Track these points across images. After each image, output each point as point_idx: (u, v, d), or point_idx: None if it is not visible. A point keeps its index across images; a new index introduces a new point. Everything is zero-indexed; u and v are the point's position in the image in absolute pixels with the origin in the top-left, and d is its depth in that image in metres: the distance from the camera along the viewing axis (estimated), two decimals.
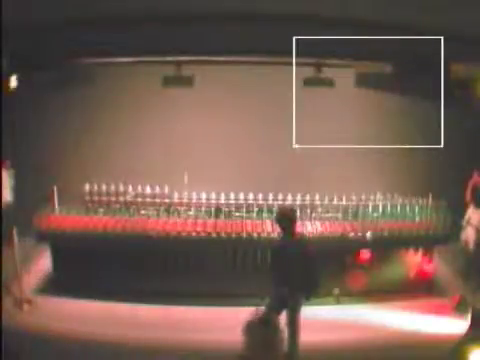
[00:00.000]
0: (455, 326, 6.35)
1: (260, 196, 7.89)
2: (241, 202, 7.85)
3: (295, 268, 5.55)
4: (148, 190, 7.90)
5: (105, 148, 9.01)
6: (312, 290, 5.74)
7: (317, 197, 7.90)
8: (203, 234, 7.32)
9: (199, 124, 8.94)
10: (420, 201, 7.96)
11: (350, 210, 7.84)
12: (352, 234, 7.47)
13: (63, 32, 6.16)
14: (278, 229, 5.99)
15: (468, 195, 8.13)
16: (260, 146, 9.10)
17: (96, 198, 7.88)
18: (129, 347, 6.00)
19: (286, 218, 5.76)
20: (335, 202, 7.89)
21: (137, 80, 8.37)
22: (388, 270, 7.68)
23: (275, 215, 6.10)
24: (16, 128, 8.47)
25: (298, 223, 7.13)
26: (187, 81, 7.38)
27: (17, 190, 8.60)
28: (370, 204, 7.92)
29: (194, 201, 7.89)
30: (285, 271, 5.58)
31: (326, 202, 7.89)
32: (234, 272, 7.43)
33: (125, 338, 6.15)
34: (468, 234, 7.93)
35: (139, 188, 7.94)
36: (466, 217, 8.05)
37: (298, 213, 7.36)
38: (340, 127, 9.02)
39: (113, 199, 7.87)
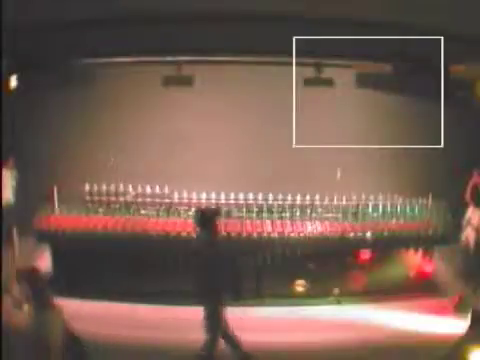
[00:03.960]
0: (455, 326, 6.34)
1: (260, 196, 7.90)
2: (241, 202, 7.85)
3: (217, 268, 5.35)
4: (148, 190, 7.91)
5: (105, 148, 9.00)
6: (237, 290, 5.60)
7: (317, 197, 7.90)
8: None
9: (199, 124, 8.94)
10: (420, 201, 7.96)
11: (350, 210, 7.84)
12: (352, 234, 7.47)
13: (63, 32, 6.17)
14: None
15: (468, 195, 8.12)
16: (260, 146, 9.09)
17: (96, 198, 7.89)
18: (129, 347, 5.99)
19: (205, 217, 5.51)
20: (335, 202, 7.89)
21: (137, 80, 8.36)
22: (388, 270, 7.68)
23: (194, 215, 5.88)
24: (16, 128, 8.46)
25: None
26: (187, 81, 7.38)
27: (17, 190, 8.59)
28: (370, 204, 7.92)
29: (194, 201, 7.89)
30: (208, 271, 5.36)
31: (326, 202, 7.90)
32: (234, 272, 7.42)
33: (125, 338, 6.14)
34: (468, 234, 7.93)
35: (139, 188, 7.94)
36: (466, 217, 8.04)
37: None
38: (340, 127, 9.02)
39: (113, 199, 7.87)
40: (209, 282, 5.38)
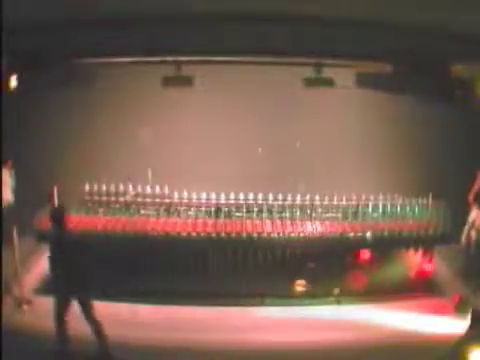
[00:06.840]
0: (455, 326, 6.34)
1: (260, 196, 7.90)
2: (241, 202, 7.86)
3: (72, 264, 5.54)
4: (148, 190, 7.91)
5: (105, 148, 9.00)
6: (91, 286, 5.69)
7: (317, 197, 7.91)
8: (203, 234, 7.32)
9: (199, 124, 8.94)
10: (420, 201, 7.96)
11: (350, 210, 7.84)
12: (352, 234, 7.48)
13: (63, 32, 6.17)
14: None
15: (472, 197, 8.08)
16: (260, 146, 9.10)
17: (96, 198, 7.89)
18: (129, 347, 5.99)
19: (54, 215, 5.66)
20: (335, 202, 7.89)
21: (137, 80, 8.36)
22: (388, 270, 7.69)
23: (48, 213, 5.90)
24: (16, 128, 8.46)
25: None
26: (187, 81, 7.39)
27: (17, 190, 8.59)
28: (370, 204, 7.93)
29: (194, 201, 7.89)
30: (64, 268, 5.56)
31: (326, 202, 7.90)
32: (234, 272, 7.43)
33: (125, 338, 6.14)
34: (470, 235, 7.92)
35: (139, 188, 7.94)
36: (469, 219, 8.02)
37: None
38: (340, 127, 9.02)
39: (113, 199, 7.87)
40: (57, 276, 5.61)
